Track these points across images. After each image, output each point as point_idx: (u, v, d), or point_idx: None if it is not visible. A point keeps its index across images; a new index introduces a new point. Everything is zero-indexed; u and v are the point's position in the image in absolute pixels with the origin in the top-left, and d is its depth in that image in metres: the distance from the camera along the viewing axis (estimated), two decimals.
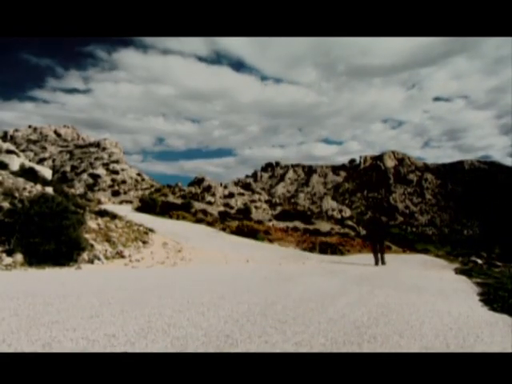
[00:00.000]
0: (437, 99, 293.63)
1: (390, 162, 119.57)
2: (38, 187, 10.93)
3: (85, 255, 7.53)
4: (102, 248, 8.53)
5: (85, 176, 54.46)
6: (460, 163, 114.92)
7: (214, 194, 39.78)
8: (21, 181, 10.96)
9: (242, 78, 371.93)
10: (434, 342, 3.12)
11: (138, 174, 59.87)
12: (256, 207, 36.72)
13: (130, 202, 38.30)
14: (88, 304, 3.68)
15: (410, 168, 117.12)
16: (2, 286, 4.51)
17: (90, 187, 49.91)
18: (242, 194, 42.95)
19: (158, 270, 7.63)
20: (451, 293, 6.42)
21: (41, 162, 56.88)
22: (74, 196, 14.91)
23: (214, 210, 31.75)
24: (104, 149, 66.09)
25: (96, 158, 61.13)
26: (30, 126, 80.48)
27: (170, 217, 24.20)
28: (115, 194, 48.35)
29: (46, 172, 15.60)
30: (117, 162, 60.43)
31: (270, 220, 31.16)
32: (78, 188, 43.74)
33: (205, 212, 29.51)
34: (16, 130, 76.42)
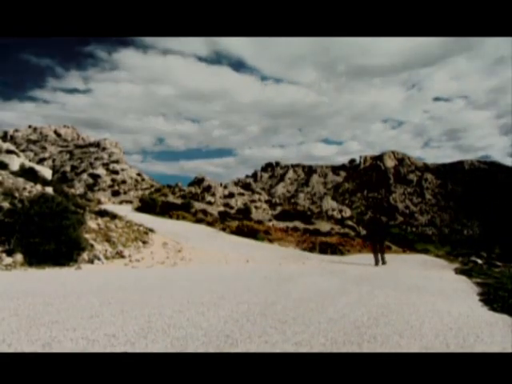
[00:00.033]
0: (437, 99, 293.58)
1: (390, 162, 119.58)
2: (38, 187, 10.93)
3: (85, 255, 7.53)
4: (102, 248, 8.53)
5: (85, 176, 54.45)
6: (460, 163, 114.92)
7: (213, 194, 39.78)
8: (21, 181, 10.96)
9: (241, 78, 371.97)
10: (433, 342, 3.12)
11: (138, 174, 59.86)
12: (256, 207, 36.72)
13: (130, 201, 38.31)
14: (88, 304, 3.68)
15: (410, 168, 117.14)
16: (1, 286, 4.51)
17: (90, 187, 49.91)
18: (242, 194, 42.95)
19: (158, 270, 7.63)
20: (451, 293, 6.42)
21: (41, 161, 56.88)
22: (74, 196, 14.92)
23: (214, 210, 31.75)
24: (104, 149, 66.09)
25: (96, 158, 61.13)
26: (30, 126, 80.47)
27: (170, 217, 24.20)
28: (115, 193, 48.35)
29: (46, 172, 15.60)
30: (117, 162, 60.43)
31: (269, 220, 31.16)
32: (78, 188, 43.74)
33: (205, 212, 29.50)
34: (16, 130, 76.41)
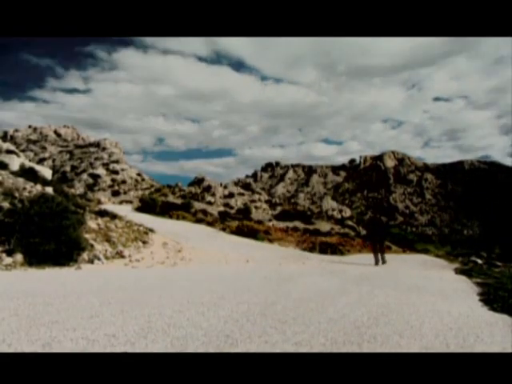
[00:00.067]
0: (437, 99, 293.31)
1: (390, 162, 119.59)
2: (38, 187, 10.93)
3: (85, 255, 7.54)
4: (102, 248, 8.53)
5: (85, 176, 54.45)
6: (460, 163, 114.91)
7: (213, 194, 39.78)
8: (21, 181, 10.96)
9: (242, 78, 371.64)
10: (433, 342, 3.13)
11: (138, 174, 59.86)
12: (256, 207, 36.72)
13: (130, 201, 38.30)
14: (88, 304, 3.68)
15: (410, 168, 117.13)
16: (2, 285, 4.51)
17: (90, 187, 49.90)
18: (242, 194, 42.95)
19: (158, 270, 7.63)
20: (451, 293, 6.42)
21: (41, 161, 56.87)
22: (73, 196, 14.92)
23: (214, 210, 31.75)
24: (104, 149, 66.09)
25: (96, 158, 61.13)
26: (30, 126, 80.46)
27: (170, 217, 24.20)
28: (115, 193, 48.35)
29: (46, 172, 15.59)
30: (117, 162, 60.42)
31: (269, 220, 31.16)
32: (78, 188, 43.73)
33: (205, 212, 29.50)
34: (16, 130, 76.40)
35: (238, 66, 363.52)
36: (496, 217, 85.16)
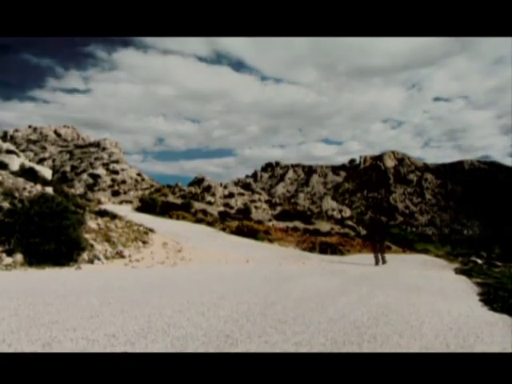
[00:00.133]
0: (437, 99, 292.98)
1: (390, 162, 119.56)
2: (38, 187, 10.93)
3: (85, 255, 7.53)
4: (101, 248, 8.53)
5: (85, 176, 54.45)
6: (460, 163, 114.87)
7: (213, 194, 39.78)
8: (21, 181, 10.96)
9: (241, 78, 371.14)
10: (433, 342, 3.13)
11: (138, 174, 59.86)
12: (256, 207, 36.72)
13: (130, 202, 38.30)
14: (88, 304, 3.68)
15: (410, 168, 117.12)
16: (2, 285, 4.51)
17: (90, 187, 49.90)
18: (242, 194, 42.95)
19: (158, 270, 7.63)
20: (451, 293, 6.42)
21: (41, 161, 56.86)
22: (73, 196, 14.91)
23: (214, 210, 31.75)
24: (104, 149, 66.08)
25: (96, 158, 61.13)
26: (30, 126, 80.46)
27: (170, 217, 24.20)
28: (115, 193, 48.35)
29: (45, 172, 15.59)
30: (117, 162, 60.42)
31: (269, 220, 31.16)
32: (78, 188, 43.71)
33: (205, 212, 29.50)
34: (16, 130, 76.38)
35: (238, 66, 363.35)
36: (496, 217, 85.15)
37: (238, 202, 37.99)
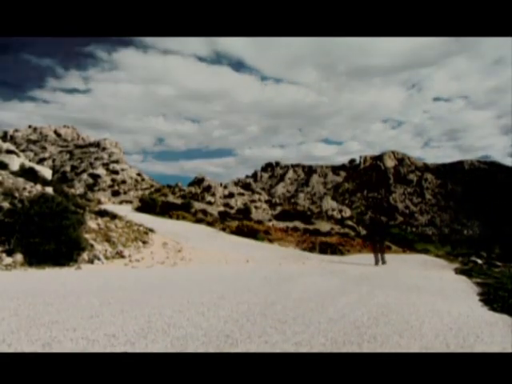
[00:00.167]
0: (437, 99, 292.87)
1: (390, 162, 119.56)
2: (38, 187, 10.93)
3: (85, 255, 7.54)
4: (101, 248, 8.53)
5: (85, 176, 54.45)
6: (460, 163, 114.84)
7: (213, 194, 39.78)
8: (21, 181, 10.96)
9: (241, 78, 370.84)
10: (433, 342, 3.13)
11: (138, 174, 59.86)
12: (256, 207, 36.73)
13: (130, 202, 38.30)
14: (88, 304, 3.68)
15: (410, 168, 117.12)
16: (2, 285, 4.51)
17: (90, 187, 49.90)
18: (242, 194, 42.96)
19: (158, 270, 7.63)
20: (451, 293, 6.42)
21: (41, 161, 56.85)
22: (73, 196, 14.91)
23: (214, 210, 31.76)
24: (104, 149, 66.08)
25: (96, 158, 61.13)
26: (30, 126, 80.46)
27: (170, 217, 24.20)
28: (115, 193, 48.35)
29: (46, 172, 15.59)
30: (117, 162, 60.42)
31: (269, 220, 31.16)
32: (78, 188, 43.71)
33: (205, 212, 29.51)
34: (16, 130, 76.38)
35: (238, 66, 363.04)
36: (496, 217, 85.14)
37: (238, 202, 37.99)
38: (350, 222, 39.38)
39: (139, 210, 26.26)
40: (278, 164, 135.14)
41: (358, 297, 5.26)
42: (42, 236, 6.62)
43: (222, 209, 33.76)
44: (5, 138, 65.50)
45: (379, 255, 12.55)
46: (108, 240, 9.47)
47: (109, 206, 22.74)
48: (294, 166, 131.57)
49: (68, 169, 59.18)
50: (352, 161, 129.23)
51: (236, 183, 63.00)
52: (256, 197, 42.79)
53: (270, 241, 18.81)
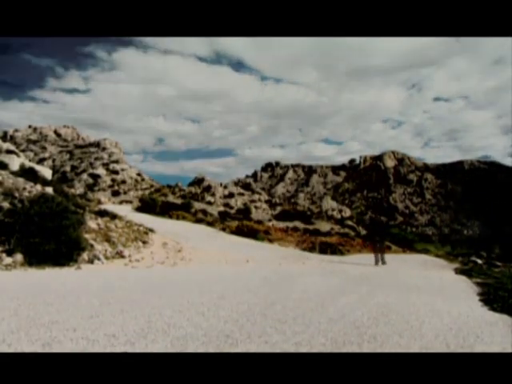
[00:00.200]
0: (437, 99, 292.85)
1: (390, 162, 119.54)
2: (38, 187, 10.92)
3: (85, 255, 7.53)
4: (101, 248, 8.53)
5: (85, 176, 54.44)
6: (460, 163, 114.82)
7: (213, 194, 39.78)
8: (21, 181, 10.95)
9: (241, 78, 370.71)
10: (433, 342, 3.13)
11: (138, 174, 59.85)
12: (256, 207, 36.73)
13: (130, 202, 38.30)
14: (88, 304, 3.68)
15: (410, 168, 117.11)
16: (2, 285, 4.51)
17: (90, 187, 49.89)
18: (242, 194, 42.96)
19: (158, 270, 7.63)
20: (451, 293, 6.42)
21: (41, 161, 56.84)
22: (73, 196, 14.91)
23: (214, 210, 31.76)
24: (104, 149, 66.07)
25: (96, 158, 61.12)
26: (30, 126, 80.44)
27: (170, 217, 24.19)
28: (115, 193, 48.34)
29: (45, 172, 15.58)
30: (117, 162, 60.41)
31: (269, 220, 31.17)
32: (78, 188, 43.70)
33: (205, 212, 29.51)
34: (16, 130, 76.36)
35: (238, 66, 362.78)
36: (496, 217, 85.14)
37: (237, 202, 37.99)
38: (349, 222, 39.38)
39: (139, 210, 26.26)
40: (277, 164, 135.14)
41: (357, 297, 5.26)
42: (42, 236, 6.62)
43: (221, 209, 33.76)
44: (5, 137, 65.49)
45: (379, 255, 12.55)
46: (108, 240, 9.47)
47: (109, 206, 22.74)
48: (293, 166, 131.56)
49: (68, 169, 59.18)
50: (352, 161, 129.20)
51: (236, 183, 63.01)
52: (256, 197, 42.79)
53: (270, 241, 18.82)
